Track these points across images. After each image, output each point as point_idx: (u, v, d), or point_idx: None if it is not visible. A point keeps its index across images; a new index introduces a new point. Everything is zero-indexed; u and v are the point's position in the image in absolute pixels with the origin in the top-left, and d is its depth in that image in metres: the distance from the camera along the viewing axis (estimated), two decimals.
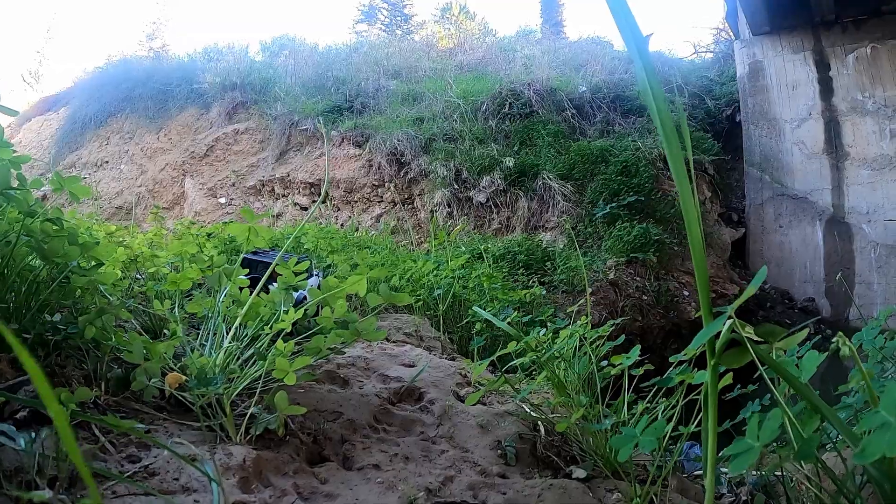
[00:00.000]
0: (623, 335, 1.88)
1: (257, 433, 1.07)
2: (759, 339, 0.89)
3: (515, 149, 9.24)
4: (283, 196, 9.73)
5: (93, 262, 1.34)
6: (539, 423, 1.47)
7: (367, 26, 17.94)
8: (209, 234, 3.21)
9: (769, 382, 0.89)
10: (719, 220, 10.06)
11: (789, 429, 0.90)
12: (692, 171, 0.73)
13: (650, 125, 9.62)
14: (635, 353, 1.27)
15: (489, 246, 7.37)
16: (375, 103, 10.43)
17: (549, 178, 8.66)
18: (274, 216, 9.25)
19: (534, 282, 5.88)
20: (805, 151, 9.70)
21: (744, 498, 1.80)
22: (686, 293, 8.65)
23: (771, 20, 9.67)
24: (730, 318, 0.78)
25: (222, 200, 9.83)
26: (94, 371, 1.26)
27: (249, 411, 1.10)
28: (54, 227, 1.22)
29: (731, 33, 11.73)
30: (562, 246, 8.11)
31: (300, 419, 1.21)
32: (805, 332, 0.94)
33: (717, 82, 11.57)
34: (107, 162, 11.81)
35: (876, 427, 0.66)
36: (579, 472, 1.33)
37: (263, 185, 9.92)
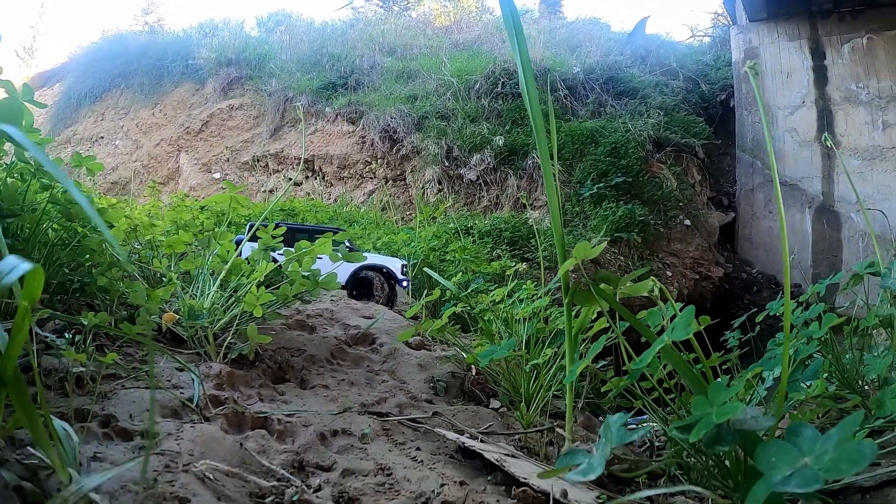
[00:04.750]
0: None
1: (233, 357, 1.38)
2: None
3: (507, 128, 9.36)
4: (277, 171, 9.93)
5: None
6: (472, 365, 1.79)
7: (364, 2, 17.85)
8: (202, 207, 3.50)
9: (609, 319, 1.18)
10: (708, 204, 10.24)
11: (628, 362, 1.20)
12: (553, 117, 1.00)
13: (642, 107, 9.70)
14: (544, 301, 1.56)
15: (476, 222, 7.64)
16: (370, 80, 10.54)
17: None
18: (267, 192, 9.47)
19: (511, 256, 6.17)
20: (797, 139, 9.69)
21: (657, 444, 2.13)
22: (669, 273, 8.92)
23: (768, 7, 9.59)
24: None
25: (217, 175, 10.05)
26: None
27: (227, 341, 1.41)
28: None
29: (729, 18, 11.74)
30: (548, 224, 8.36)
31: (270, 352, 1.52)
32: (649, 283, 1.22)
33: (713, 67, 11.54)
34: (102, 137, 11.93)
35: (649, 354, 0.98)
36: (495, 403, 1.65)
37: (258, 160, 10.11)
